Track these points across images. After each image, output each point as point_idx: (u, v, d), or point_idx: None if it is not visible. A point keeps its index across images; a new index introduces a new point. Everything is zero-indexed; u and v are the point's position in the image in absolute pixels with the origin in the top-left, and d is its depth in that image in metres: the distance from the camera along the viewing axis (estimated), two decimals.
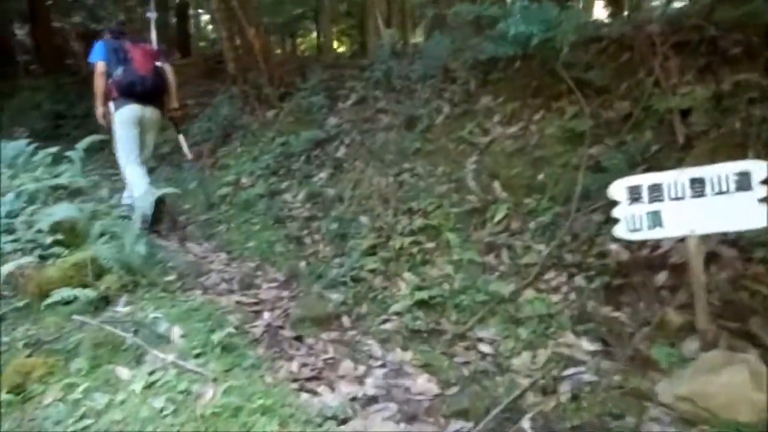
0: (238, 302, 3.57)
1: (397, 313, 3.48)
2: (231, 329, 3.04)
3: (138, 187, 4.85)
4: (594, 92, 4.27)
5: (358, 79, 6.69)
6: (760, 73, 3.68)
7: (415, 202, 4.42)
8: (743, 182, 2.61)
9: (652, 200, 2.80)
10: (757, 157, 3.22)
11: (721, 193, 2.65)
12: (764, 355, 2.50)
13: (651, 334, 2.85)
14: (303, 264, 4.26)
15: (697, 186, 2.70)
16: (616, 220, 2.90)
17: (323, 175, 5.34)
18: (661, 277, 3.05)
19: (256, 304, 3.61)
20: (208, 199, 5.66)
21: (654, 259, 3.15)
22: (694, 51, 3.93)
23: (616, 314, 3.04)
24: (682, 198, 2.73)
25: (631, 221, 2.83)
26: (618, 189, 2.87)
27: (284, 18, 12.43)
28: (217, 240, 4.96)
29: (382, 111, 5.91)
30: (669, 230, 2.77)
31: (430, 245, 4.01)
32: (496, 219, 3.93)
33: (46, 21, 11.69)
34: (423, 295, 3.50)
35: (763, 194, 2.55)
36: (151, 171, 7.17)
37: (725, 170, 2.66)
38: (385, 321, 3.46)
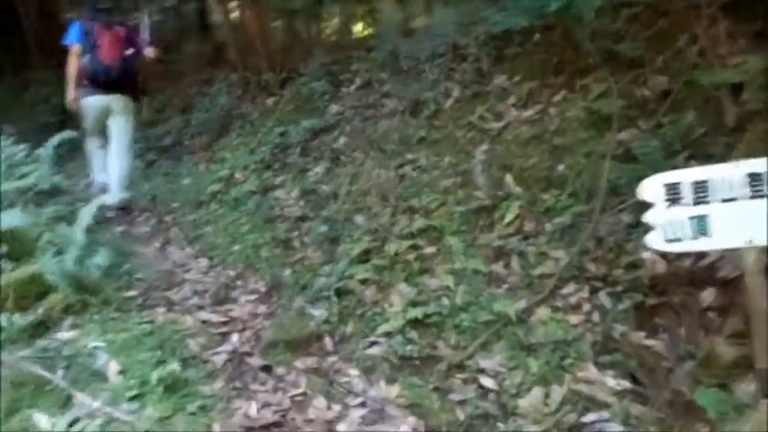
0: (204, 322, 3.10)
1: (387, 334, 2.95)
2: (185, 360, 2.56)
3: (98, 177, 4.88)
4: (625, 66, 3.61)
5: (364, 61, 6.12)
6: None
7: (417, 199, 3.87)
8: None
9: (696, 202, 2.18)
10: None
11: None
12: None
13: (695, 372, 2.25)
14: (288, 272, 3.76)
15: (756, 183, 2.08)
16: (649, 226, 2.30)
17: (319, 169, 4.82)
18: (708, 296, 2.43)
19: (225, 323, 3.13)
20: (197, 197, 5.21)
21: (698, 272, 2.53)
22: (747, 13, 3.23)
23: (650, 343, 2.44)
24: (735, 199, 2.11)
25: (669, 228, 2.22)
26: (652, 187, 2.26)
27: (301, 2, 11.85)
28: (201, 243, 4.51)
29: (387, 95, 5.34)
30: (719, 241, 2.15)
31: (430, 250, 3.46)
32: (507, 219, 3.35)
33: (55, 13, 11.42)
34: (418, 312, 2.97)
35: None
36: (150, 164, 6.83)
37: None
38: (372, 344, 2.94)
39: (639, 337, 2.48)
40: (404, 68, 5.37)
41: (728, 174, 2.12)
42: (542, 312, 2.78)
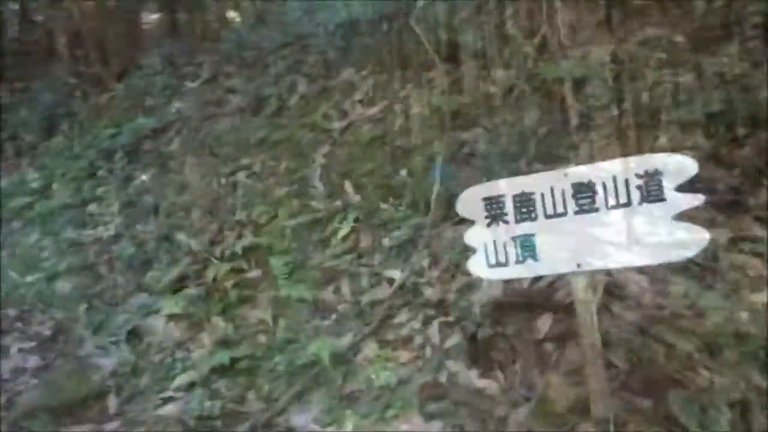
0: None
1: (189, 386, 2.39)
2: None
3: None
4: (471, 59, 3.27)
5: (211, 52, 5.46)
6: (670, 28, 2.82)
7: (246, 211, 3.32)
8: (651, 188, 1.66)
9: (521, 218, 1.81)
10: (673, 141, 2.33)
11: (620, 205, 1.69)
12: None
13: (530, 419, 1.90)
14: (84, 307, 3.07)
15: (585, 195, 1.74)
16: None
17: (146, 177, 4.12)
18: (544, 324, 2.10)
19: None
20: None
21: (535, 295, 2.20)
22: (589, 1, 2.98)
23: (483, 384, 2.07)
24: (564, 214, 1.76)
25: (492, 251, 1.84)
26: (469, 202, 1.88)
27: None
28: None
29: (232, 91, 4.73)
30: (546, 265, 1.79)
31: (254, 274, 2.93)
32: (342, 234, 2.90)
33: None
34: (225, 356, 2.43)
35: (681, 207, 1.61)
36: None
37: (624, 169, 1.71)
38: (166, 401, 2.36)
39: (471, 377, 2.09)
40: (249, 60, 4.79)
41: (555, 184, 1.77)
42: (370, 348, 2.34)
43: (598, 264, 1.72)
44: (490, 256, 1.83)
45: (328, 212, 3.07)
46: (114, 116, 5.26)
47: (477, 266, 1.87)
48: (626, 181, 1.67)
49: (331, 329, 2.48)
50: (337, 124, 3.60)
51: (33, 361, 2.62)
